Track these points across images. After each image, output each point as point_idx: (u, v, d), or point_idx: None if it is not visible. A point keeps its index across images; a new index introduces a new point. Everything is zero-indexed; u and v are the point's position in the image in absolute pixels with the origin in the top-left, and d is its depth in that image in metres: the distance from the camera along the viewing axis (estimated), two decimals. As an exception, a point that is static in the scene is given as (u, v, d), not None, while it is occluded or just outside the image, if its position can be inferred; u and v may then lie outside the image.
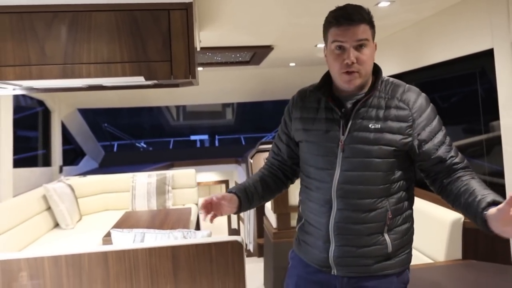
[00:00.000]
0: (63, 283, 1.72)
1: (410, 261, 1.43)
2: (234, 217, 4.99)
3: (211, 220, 1.43)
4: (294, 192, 3.07)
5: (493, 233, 1.17)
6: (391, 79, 1.40)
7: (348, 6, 1.31)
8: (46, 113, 4.80)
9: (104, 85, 1.73)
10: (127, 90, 5.08)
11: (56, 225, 3.89)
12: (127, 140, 7.46)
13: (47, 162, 4.83)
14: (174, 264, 1.80)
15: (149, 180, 4.49)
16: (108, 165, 6.52)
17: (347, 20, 1.28)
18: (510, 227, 1.12)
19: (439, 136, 1.35)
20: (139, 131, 7.97)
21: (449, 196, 1.34)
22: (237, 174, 5.96)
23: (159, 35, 1.50)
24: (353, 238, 1.35)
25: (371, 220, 1.34)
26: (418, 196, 2.62)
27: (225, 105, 8.01)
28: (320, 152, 1.38)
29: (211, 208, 1.43)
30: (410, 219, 1.42)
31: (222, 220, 5.09)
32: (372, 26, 1.32)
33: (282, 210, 3.25)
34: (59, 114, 4.94)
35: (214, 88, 5.14)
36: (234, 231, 5.04)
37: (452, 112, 3.41)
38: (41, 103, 4.71)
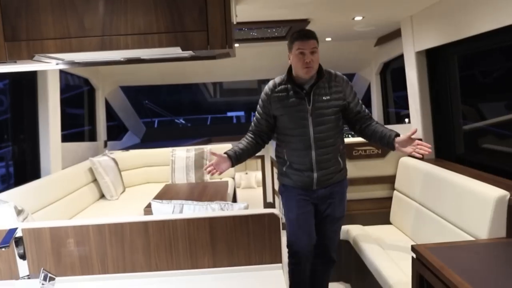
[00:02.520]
0: (107, 250, 1.74)
1: (346, 171, 2.38)
2: (269, 191, 4.94)
3: (212, 173, 2.24)
4: None
5: (393, 148, 2.20)
6: (326, 69, 2.23)
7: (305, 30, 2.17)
8: (91, 91, 4.86)
9: (142, 57, 1.68)
10: (166, 67, 5.11)
11: (102, 196, 3.98)
12: (167, 117, 7.52)
13: (93, 137, 4.93)
14: (212, 235, 1.77)
15: (187, 155, 4.49)
16: (149, 141, 6.61)
17: (305, 36, 2.14)
18: (407, 148, 2.13)
19: (356, 100, 2.27)
20: (178, 108, 8.01)
21: (367, 134, 2.30)
22: (272, 149, 5.85)
23: (195, 5, 1.43)
24: (325, 164, 2.21)
25: (333, 152, 2.23)
26: (457, 171, 2.46)
27: (260, 82, 7.87)
28: (298, 117, 2.17)
29: (213, 169, 2.22)
30: (345, 146, 2.35)
31: (257, 194, 5.05)
32: (317, 41, 2.18)
33: None
34: (102, 92, 4.98)
35: (250, 64, 5.00)
36: (269, 205, 5.00)
37: (495, 87, 3.14)
38: (86, 82, 4.77)
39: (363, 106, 2.32)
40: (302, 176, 2.23)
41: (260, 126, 2.31)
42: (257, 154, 3.73)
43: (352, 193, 3.15)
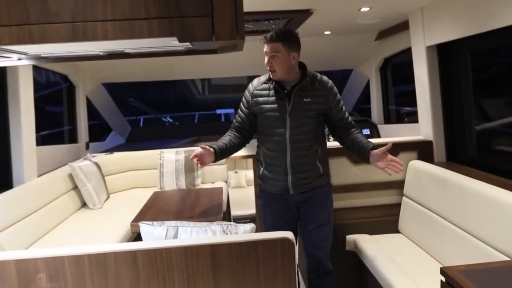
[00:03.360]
0: (87, 285, 1.44)
1: (330, 176, 2.37)
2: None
3: (197, 164, 2.18)
4: (334, 172, 2.83)
5: (368, 162, 2.23)
6: (310, 71, 2.20)
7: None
8: (71, 88, 4.53)
9: (127, 51, 1.36)
10: (152, 63, 4.80)
11: (84, 204, 3.67)
12: (153, 115, 7.19)
13: (73, 138, 4.59)
14: (214, 264, 1.49)
15: (177, 157, 4.21)
16: (135, 140, 6.28)
17: (266, 39, 2.12)
18: (380, 163, 2.19)
19: (339, 106, 2.25)
20: (165, 105, 7.68)
21: (346, 143, 2.30)
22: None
23: (196, -17, 1.11)
24: (301, 167, 2.18)
25: (310, 155, 2.19)
26: (474, 177, 2.23)
27: (250, 78, 7.57)
28: (276, 118, 2.16)
29: (198, 160, 2.15)
30: (327, 151, 2.32)
31: (249, 194, 4.76)
32: (285, 43, 2.10)
33: None
34: (83, 89, 4.66)
35: (243, 60, 4.73)
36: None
37: (508, 85, 2.95)
38: (65, 78, 4.42)
39: (347, 114, 2.32)
40: (277, 180, 2.23)
41: (242, 123, 2.30)
42: (248, 154, 3.47)
43: (358, 200, 3.01)
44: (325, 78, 2.26)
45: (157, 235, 1.62)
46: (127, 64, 4.69)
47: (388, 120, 4.85)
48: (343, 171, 2.98)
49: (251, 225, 1.65)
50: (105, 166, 4.09)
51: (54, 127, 4.79)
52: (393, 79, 4.75)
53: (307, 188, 2.24)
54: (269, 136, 2.21)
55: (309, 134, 2.19)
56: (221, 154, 2.20)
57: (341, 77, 5.75)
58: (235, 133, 2.31)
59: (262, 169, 2.28)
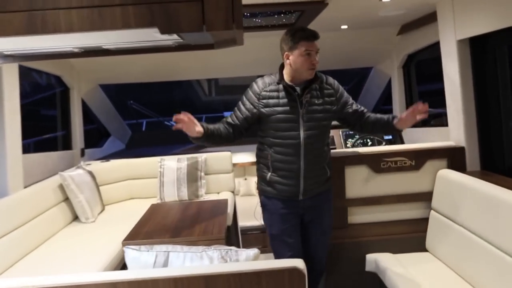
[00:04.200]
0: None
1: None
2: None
3: (175, 128, 2.12)
4: (352, 182, 2.78)
5: (399, 131, 2.48)
6: (317, 72, 2.29)
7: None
8: (65, 91, 4.46)
9: (105, 47, 1.21)
10: (154, 62, 4.71)
11: (76, 217, 3.57)
12: (155, 118, 7.10)
13: (67, 145, 4.50)
14: (209, 299, 1.33)
15: (179, 165, 4.09)
16: (136, 146, 6.19)
17: (313, 37, 2.22)
18: (409, 121, 2.31)
19: (349, 100, 2.41)
20: (168, 108, 7.58)
21: (368, 128, 2.43)
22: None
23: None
24: (313, 172, 2.30)
25: (321, 159, 2.34)
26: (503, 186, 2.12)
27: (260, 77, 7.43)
28: (288, 120, 2.22)
29: (183, 122, 2.11)
30: (330, 154, 2.46)
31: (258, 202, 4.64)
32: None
33: (337, 203, 2.82)
34: (78, 92, 4.58)
35: (253, 57, 4.61)
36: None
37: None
38: (59, 80, 4.35)
39: (357, 104, 2.47)
40: (287, 185, 2.30)
41: (237, 122, 2.33)
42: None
43: (380, 214, 2.93)
44: (330, 78, 2.40)
45: (144, 262, 1.47)
46: (126, 63, 4.62)
47: None
48: (362, 181, 2.89)
49: (255, 251, 1.49)
50: (100, 175, 3.98)
51: (49, 132, 4.72)
52: (417, 77, 4.62)
53: (316, 193, 2.37)
54: (281, 140, 2.27)
55: (321, 137, 2.32)
56: (206, 136, 2.22)
57: (360, 75, 5.61)
58: (227, 127, 2.34)
59: (269, 174, 2.34)
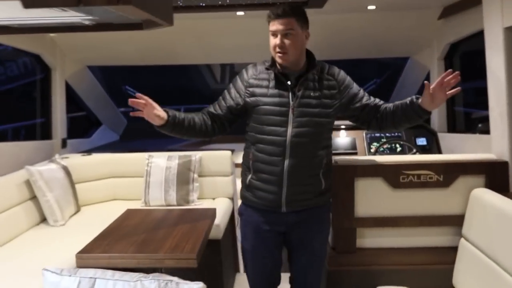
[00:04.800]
0: None
1: (330, 195, 2.40)
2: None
3: (133, 114, 2.11)
4: (363, 198, 2.68)
5: (427, 113, 2.23)
6: (319, 60, 2.30)
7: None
8: (45, 71, 4.44)
9: (6, 23, 1.10)
10: (148, 44, 4.66)
11: (44, 219, 3.52)
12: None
13: (46, 134, 4.48)
14: None
15: (168, 164, 4.00)
16: (132, 138, 6.18)
17: (277, 14, 2.15)
18: (438, 98, 2.16)
19: (359, 93, 2.32)
20: (171, 96, 7.53)
21: (388, 120, 2.31)
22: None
23: None
24: (300, 179, 2.21)
25: (313, 165, 2.23)
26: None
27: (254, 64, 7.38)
28: (276, 113, 2.18)
29: (143, 106, 2.08)
30: (332, 162, 2.41)
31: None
32: (298, 18, 2.17)
33: (344, 223, 2.74)
34: (62, 73, 4.57)
35: (263, 41, 4.50)
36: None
37: None
38: (38, 59, 4.32)
39: (370, 96, 2.36)
40: (268, 191, 2.23)
41: (219, 112, 2.31)
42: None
43: (397, 239, 2.84)
44: (334, 67, 2.33)
45: (63, 290, 1.35)
46: (116, 43, 4.61)
47: (453, 126, 4.52)
48: (376, 197, 2.76)
49: (200, 285, 1.34)
50: (77, 171, 3.94)
51: (29, 118, 4.74)
52: (463, 71, 4.33)
53: (304, 207, 2.26)
54: (265, 136, 2.21)
55: (315, 137, 2.22)
56: (173, 125, 2.18)
57: (394, 67, 5.48)
58: (205, 117, 2.31)
59: (249, 176, 2.29)
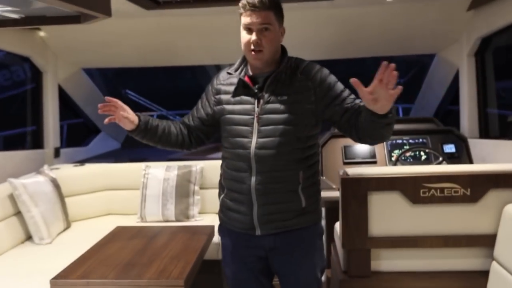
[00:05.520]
0: None
1: (321, 214, 2.29)
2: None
3: (107, 122, 2.09)
4: (378, 215, 2.63)
5: (380, 116, 1.88)
6: (294, 57, 2.18)
7: None
8: (36, 75, 4.43)
9: None
10: (148, 44, 4.61)
11: (29, 237, 3.49)
12: (158, 111, 7.04)
13: (38, 143, 4.47)
14: None
15: (166, 175, 3.98)
16: (135, 145, 6.14)
17: (253, 5, 2.01)
18: (382, 98, 1.81)
19: (341, 95, 2.10)
20: (174, 99, 7.50)
21: (359, 131, 2.05)
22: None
23: None
24: (272, 197, 2.08)
25: (285, 180, 2.09)
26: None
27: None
28: (240, 123, 2.09)
29: (114, 110, 2.05)
30: (318, 176, 2.24)
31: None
32: (276, 12, 2.07)
33: (357, 244, 2.61)
34: (54, 76, 4.57)
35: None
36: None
37: None
38: (28, 62, 4.31)
39: (350, 95, 2.12)
40: (238, 212, 2.13)
41: (191, 123, 2.27)
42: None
43: (418, 261, 2.72)
44: (312, 65, 2.16)
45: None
46: (114, 45, 4.61)
47: (485, 131, 4.36)
48: (393, 214, 2.63)
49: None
50: (68, 183, 3.93)
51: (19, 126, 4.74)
52: (496, 69, 4.34)
53: (281, 228, 2.11)
54: (232, 149, 2.13)
55: (283, 148, 2.06)
56: (144, 131, 2.13)
57: (418, 65, 5.35)
58: (182, 127, 2.27)
59: (222, 195, 2.23)
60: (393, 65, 1.76)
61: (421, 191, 2.58)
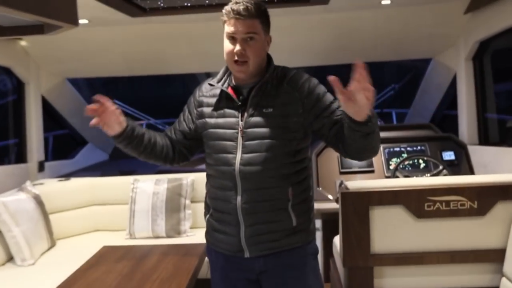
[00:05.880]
0: None
1: (315, 232, 2.13)
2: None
3: (94, 124, 1.90)
4: (381, 231, 2.55)
5: (354, 122, 1.74)
6: (281, 66, 2.06)
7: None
8: (18, 87, 4.27)
9: None
10: (135, 52, 4.50)
11: (11, 258, 3.32)
12: (145, 120, 6.90)
13: (21, 157, 4.29)
14: None
15: (156, 189, 3.84)
16: (123, 157, 5.99)
17: (238, 13, 1.88)
18: (360, 99, 1.65)
19: (330, 108, 1.96)
20: (163, 108, 7.39)
21: (345, 145, 1.90)
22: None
23: None
24: (260, 216, 1.96)
25: (274, 197, 1.97)
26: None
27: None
28: (223, 138, 1.98)
29: (102, 112, 1.87)
30: (309, 192, 2.09)
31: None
32: (262, 20, 1.93)
33: (359, 262, 2.53)
34: (37, 87, 4.40)
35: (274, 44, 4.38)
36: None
37: None
38: (8, 73, 4.15)
39: (337, 107, 1.98)
40: (224, 233, 2.02)
41: (174, 137, 2.14)
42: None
43: (424, 278, 2.65)
44: (300, 74, 2.03)
45: None
46: (100, 53, 4.50)
47: (485, 137, 4.28)
48: (397, 229, 2.55)
49: None
50: (52, 199, 3.78)
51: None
52: (495, 73, 4.29)
53: (272, 250, 1.99)
54: (215, 166, 2.02)
55: (269, 164, 1.94)
56: (129, 138, 1.96)
57: (414, 70, 5.25)
58: (167, 140, 2.14)
59: (208, 215, 2.11)
60: (362, 64, 1.63)
61: (426, 204, 2.51)
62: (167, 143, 2.11)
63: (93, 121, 1.88)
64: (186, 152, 2.14)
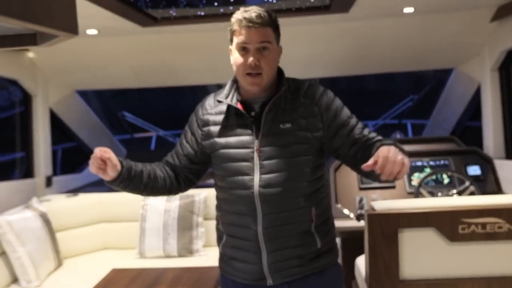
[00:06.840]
0: None
1: (338, 253, 2.03)
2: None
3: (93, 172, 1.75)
4: (410, 255, 2.41)
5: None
6: (291, 78, 1.94)
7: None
8: (26, 99, 4.19)
9: None
10: (144, 64, 4.39)
11: (16, 279, 3.19)
12: (155, 132, 6.84)
13: (28, 171, 4.18)
14: None
15: (167, 206, 3.71)
16: None
17: (251, 21, 1.76)
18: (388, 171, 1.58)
19: (351, 123, 1.89)
20: (175, 120, 7.33)
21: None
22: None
23: None
24: (283, 241, 1.84)
25: (297, 219, 1.86)
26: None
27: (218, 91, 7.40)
28: (237, 158, 1.84)
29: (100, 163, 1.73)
30: (330, 210, 2.00)
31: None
32: (275, 29, 1.82)
33: (385, 285, 2.38)
34: (45, 100, 4.31)
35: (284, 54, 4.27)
36: None
37: None
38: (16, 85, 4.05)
39: (367, 129, 1.93)
40: (244, 261, 1.88)
41: (177, 163, 1.98)
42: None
43: None
44: (316, 87, 1.93)
45: None
46: (109, 64, 4.43)
47: None
48: (428, 254, 2.42)
49: None
50: (60, 216, 3.65)
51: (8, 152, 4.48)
52: None
53: (297, 275, 1.88)
54: (228, 190, 1.87)
55: (292, 184, 1.84)
56: (127, 177, 1.81)
57: (435, 80, 5.10)
58: (167, 169, 1.98)
59: (222, 242, 1.96)
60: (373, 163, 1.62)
61: (460, 227, 2.36)
62: (169, 173, 1.98)
63: (93, 171, 1.75)
64: (193, 177, 2.00)
